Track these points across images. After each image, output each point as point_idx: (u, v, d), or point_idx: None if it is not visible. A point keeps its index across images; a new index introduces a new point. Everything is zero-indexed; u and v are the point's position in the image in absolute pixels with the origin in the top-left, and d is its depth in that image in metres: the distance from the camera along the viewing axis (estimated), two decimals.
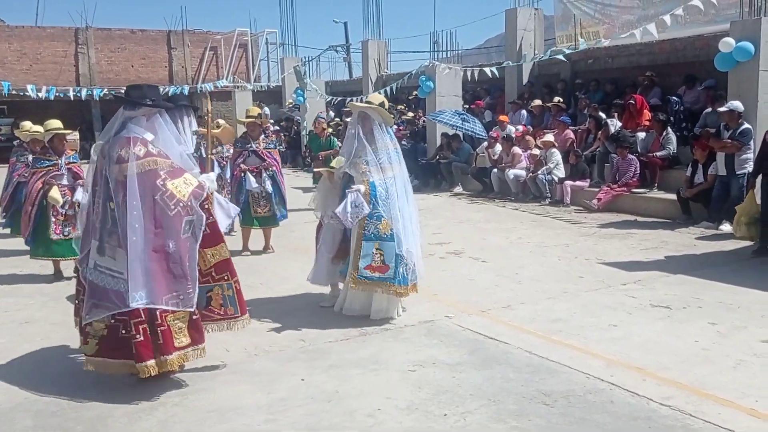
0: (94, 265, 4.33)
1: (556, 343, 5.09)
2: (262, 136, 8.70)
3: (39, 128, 8.14)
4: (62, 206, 7.24)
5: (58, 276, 7.46)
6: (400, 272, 5.62)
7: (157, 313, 4.24)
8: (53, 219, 7.22)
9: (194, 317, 4.40)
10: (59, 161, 7.33)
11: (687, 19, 12.86)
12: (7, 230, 9.44)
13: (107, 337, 4.32)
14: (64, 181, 7.31)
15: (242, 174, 8.36)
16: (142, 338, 4.21)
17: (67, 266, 7.44)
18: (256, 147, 8.46)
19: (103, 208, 4.32)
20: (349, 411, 4.04)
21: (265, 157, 8.48)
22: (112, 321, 4.29)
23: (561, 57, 12.58)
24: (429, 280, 6.99)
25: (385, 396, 4.23)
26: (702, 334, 5.20)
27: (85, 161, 7.47)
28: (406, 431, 3.80)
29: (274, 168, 8.52)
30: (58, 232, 7.25)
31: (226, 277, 4.56)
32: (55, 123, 7.48)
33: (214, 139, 8.35)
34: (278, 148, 9.03)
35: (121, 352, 4.30)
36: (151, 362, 4.24)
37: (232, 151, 9.54)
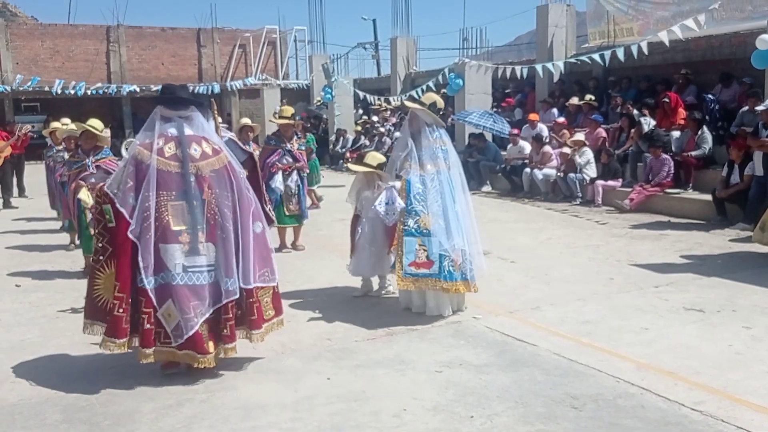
0: (182, 269, 4.33)
1: (586, 345, 5.01)
2: (296, 136, 8.80)
3: (73, 126, 8.22)
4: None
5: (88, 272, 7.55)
6: (446, 267, 5.58)
7: (252, 290, 4.50)
8: (90, 217, 7.28)
9: (276, 290, 4.73)
10: (87, 160, 7.32)
11: (723, 15, 12.59)
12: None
13: (210, 332, 4.44)
14: (93, 180, 7.26)
15: (276, 171, 8.38)
16: (233, 320, 4.48)
17: None
18: (291, 147, 8.54)
19: (189, 208, 4.35)
20: (375, 411, 4.01)
21: (299, 158, 8.60)
22: (211, 315, 4.43)
23: (596, 57, 12.35)
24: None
25: (412, 396, 4.19)
26: (736, 338, 5.08)
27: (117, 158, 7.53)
28: None
29: (306, 170, 8.70)
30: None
31: None
32: (93, 122, 7.42)
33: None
34: (311, 145, 9.17)
35: (217, 338, 4.49)
36: (233, 344, 4.50)
37: (256, 150, 9.64)
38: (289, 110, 9.16)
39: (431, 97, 5.95)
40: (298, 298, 6.45)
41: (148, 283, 4.31)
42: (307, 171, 8.71)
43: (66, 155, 8.34)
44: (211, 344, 4.43)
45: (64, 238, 9.55)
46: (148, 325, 4.35)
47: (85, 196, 7.08)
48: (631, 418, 3.84)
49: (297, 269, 7.53)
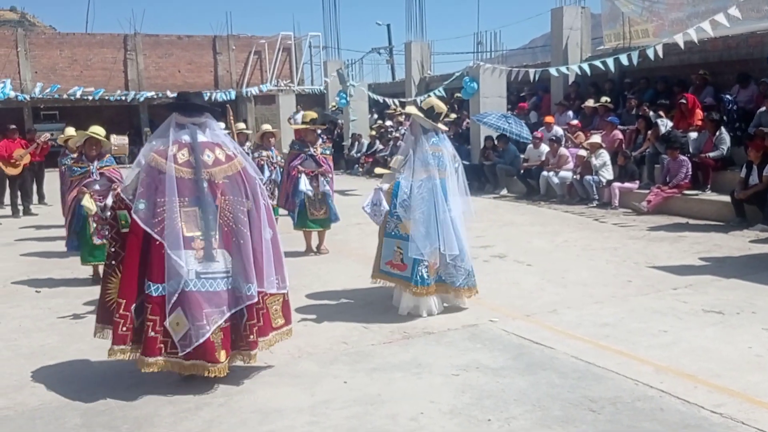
0: (196, 275, 4.33)
1: (604, 348, 4.97)
2: (320, 140, 8.84)
3: (78, 133, 8.25)
4: (102, 211, 7.34)
5: (97, 279, 7.59)
6: (418, 272, 5.72)
7: (261, 297, 4.52)
8: (93, 225, 7.31)
9: (286, 298, 4.73)
10: (90, 167, 7.36)
11: (740, 15, 12.47)
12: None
13: (225, 339, 4.45)
14: (97, 187, 7.28)
15: (298, 175, 8.48)
16: (261, 323, 4.51)
17: None
18: (314, 152, 8.60)
19: (202, 214, 4.38)
20: (392, 414, 4.01)
21: (322, 163, 8.61)
22: (225, 323, 4.43)
23: (609, 63, 12.27)
24: None
25: (429, 400, 4.19)
26: (756, 340, 5.03)
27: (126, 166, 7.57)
28: None
29: (330, 175, 8.71)
30: (100, 237, 7.35)
31: None
32: (96, 129, 7.46)
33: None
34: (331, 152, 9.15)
35: (235, 346, 4.50)
36: (255, 351, 4.50)
37: (278, 156, 9.75)
38: (309, 115, 9.14)
39: (430, 102, 6.05)
40: (314, 301, 6.47)
41: (155, 290, 4.30)
42: (331, 175, 8.69)
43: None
44: (223, 353, 4.38)
45: None
46: (153, 333, 4.30)
47: (89, 202, 7.09)
48: (650, 420, 3.81)
49: (313, 273, 7.55)
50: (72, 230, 7.38)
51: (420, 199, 5.73)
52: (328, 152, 8.91)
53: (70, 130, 9.75)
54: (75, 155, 8.79)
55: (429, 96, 6.19)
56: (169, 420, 4.05)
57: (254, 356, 4.52)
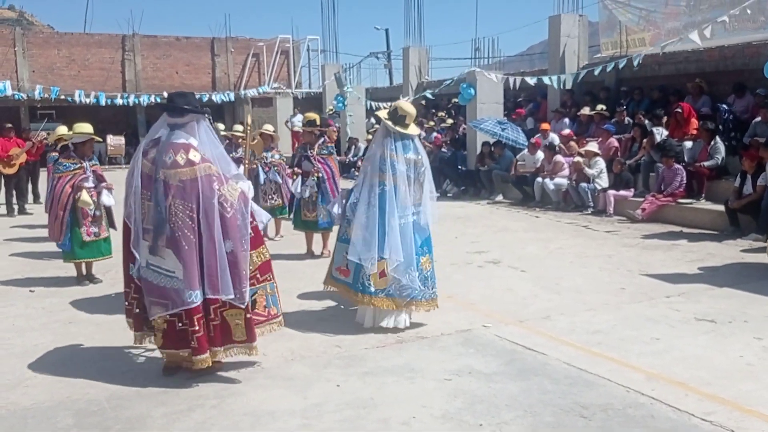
0: (146, 263, 4.53)
1: (596, 355, 4.99)
2: (320, 141, 8.80)
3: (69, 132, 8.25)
4: (96, 207, 7.38)
5: (90, 278, 7.58)
6: (360, 278, 5.59)
7: (211, 308, 4.49)
8: (84, 221, 7.33)
9: (248, 316, 4.57)
10: (84, 164, 7.39)
11: (735, 26, 12.54)
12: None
13: (168, 331, 4.54)
14: (90, 184, 7.35)
15: (293, 177, 8.67)
16: (202, 332, 4.48)
17: (101, 267, 7.66)
18: (310, 153, 8.61)
19: (155, 210, 4.46)
20: (384, 418, 4.02)
21: (315, 163, 8.58)
22: (169, 316, 4.51)
23: (609, 66, 12.38)
24: (466, 289, 6.97)
25: (421, 404, 4.20)
26: (747, 349, 5.05)
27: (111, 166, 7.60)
28: None
29: (322, 175, 8.56)
30: (90, 233, 7.37)
31: (269, 278, 4.78)
32: (84, 127, 7.46)
33: (252, 149, 8.57)
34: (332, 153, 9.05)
35: (182, 344, 4.54)
36: (205, 355, 4.49)
37: (275, 156, 9.81)
38: (309, 116, 9.12)
39: (396, 105, 5.83)
40: (307, 305, 6.48)
41: (131, 270, 4.67)
42: (319, 175, 8.61)
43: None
44: (159, 339, 4.61)
45: None
46: (138, 310, 4.72)
47: (87, 197, 7.20)
48: (641, 427, 3.83)
49: (308, 276, 7.56)
50: (65, 226, 7.32)
51: (366, 204, 5.59)
52: (325, 152, 8.76)
53: (62, 129, 9.71)
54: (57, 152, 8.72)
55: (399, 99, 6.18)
56: (161, 421, 4.05)
57: (199, 362, 4.46)
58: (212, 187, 4.48)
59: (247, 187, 4.75)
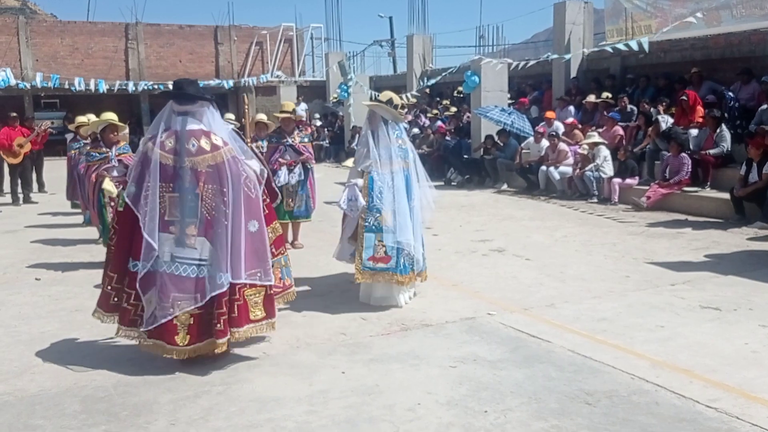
0: (170, 257, 4.45)
1: (601, 342, 5.00)
2: (296, 130, 8.73)
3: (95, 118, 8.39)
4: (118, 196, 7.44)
5: None
6: (401, 262, 5.85)
7: (237, 288, 4.50)
8: (110, 209, 7.40)
9: (269, 291, 4.67)
10: (110, 153, 7.50)
11: (743, 12, 12.47)
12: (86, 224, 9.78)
13: (194, 324, 4.50)
14: (115, 173, 7.45)
15: (279, 168, 8.36)
16: (227, 314, 4.48)
17: None
18: (292, 141, 8.51)
19: (182, 200, 4.45)
20: (389, 405, 4.04)
21: (303, 151, 8.52)
22: (197, 309, 4.48)
23: (621, 47, 12.24)
24: (471, 277, 6.98)
25: (426, 391, 4.22)
26: (752, 336, 5.05)
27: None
28: (446, 426, 3.78)
29: (313, 162, 8.57)
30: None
31: (282, 251, 4.96)
32: (109, 115, 7.65)
33: (252, 131, 8.58)
34: (313, 141, 9.11)
35: (206, 335, 4.52)
36: (227, 338, 4.51)
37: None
38: (289, 105, 9.16)
39: (387, 95, 6.16)
40: (312, 293, 6.49)
41: (133, 266, 4.52)
42: (314, 163, 8.60)
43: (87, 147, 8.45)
44: (184, 337, 4.47)
45: (85, 232, 9.69)
46: (126, 305, 4.57)
47: (110, 186, 7.30)
48: (645, 414, 3.84)
49: (312, 264, 7.57)
50: (98, 213, 7.55)
51: (389, 189, 5.86)
52: (306, 140, 8.73)
53: (82, 118, 9.87)
54: (88, 141, 8.91)
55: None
56: (168, 407, 4.08)
57: (221, 345, 4.49)
58: (239, 168, 4.56)
59: (258, 167, 4.82)
